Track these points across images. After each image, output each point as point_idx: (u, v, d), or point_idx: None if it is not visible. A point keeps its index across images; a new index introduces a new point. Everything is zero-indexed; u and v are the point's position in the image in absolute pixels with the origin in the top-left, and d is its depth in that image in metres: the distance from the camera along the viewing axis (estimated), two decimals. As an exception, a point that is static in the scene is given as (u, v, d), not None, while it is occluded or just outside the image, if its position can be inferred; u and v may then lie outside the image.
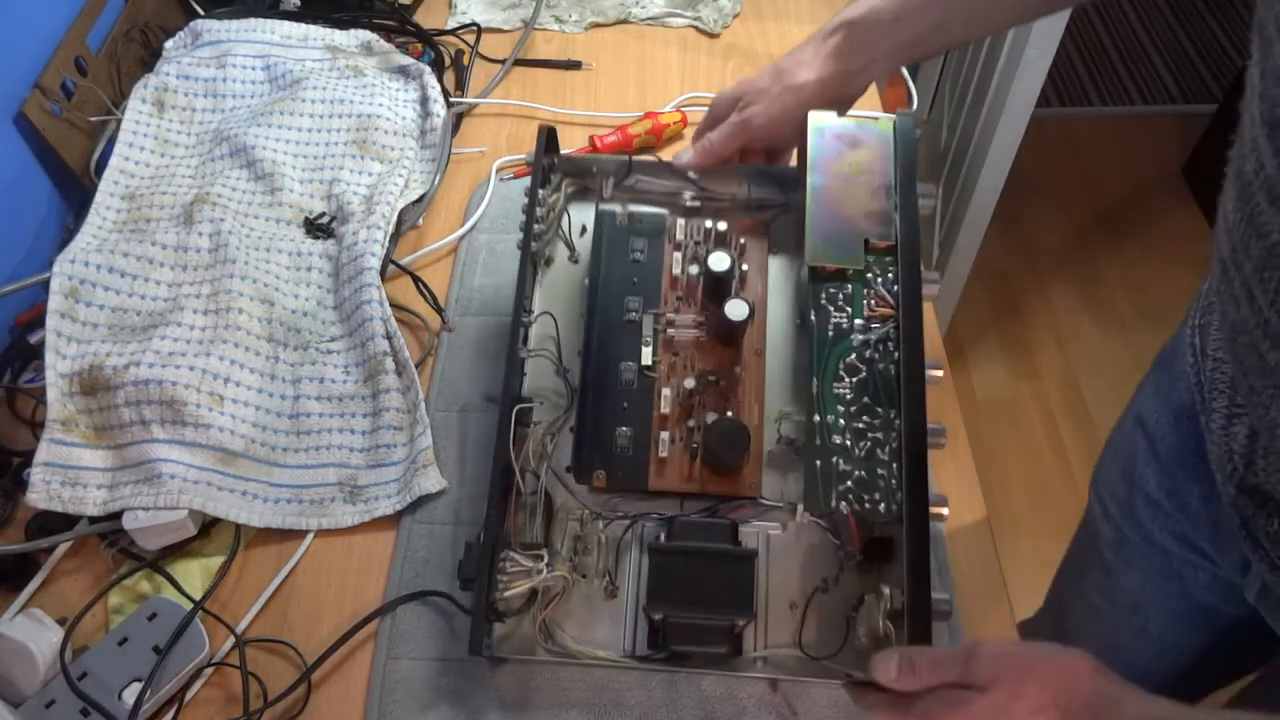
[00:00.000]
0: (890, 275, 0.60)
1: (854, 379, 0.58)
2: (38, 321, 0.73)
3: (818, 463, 0.56)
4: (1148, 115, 2.18)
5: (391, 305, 0.76)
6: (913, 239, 0.60)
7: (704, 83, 0.97)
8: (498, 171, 0.88)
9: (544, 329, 0.66)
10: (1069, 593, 0.91)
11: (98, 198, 0.80)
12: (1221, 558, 0.67)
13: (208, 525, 0.67)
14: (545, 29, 1.03)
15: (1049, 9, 0.73)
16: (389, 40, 0.96)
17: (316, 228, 0.81)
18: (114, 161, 0.83)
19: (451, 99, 0.92)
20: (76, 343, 0.71)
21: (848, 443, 0.57)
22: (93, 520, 0.66)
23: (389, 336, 0.74)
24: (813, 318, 0.60)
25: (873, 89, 0.72)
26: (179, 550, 0.66)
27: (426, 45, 0.97)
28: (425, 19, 1.02)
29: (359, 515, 0.69)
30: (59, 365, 0.70)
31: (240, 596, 0.65)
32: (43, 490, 0.66)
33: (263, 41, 0.92)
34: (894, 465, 0.56)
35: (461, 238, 0.85)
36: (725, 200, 0.68)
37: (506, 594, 0.55)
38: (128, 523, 0.64)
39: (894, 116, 0.64)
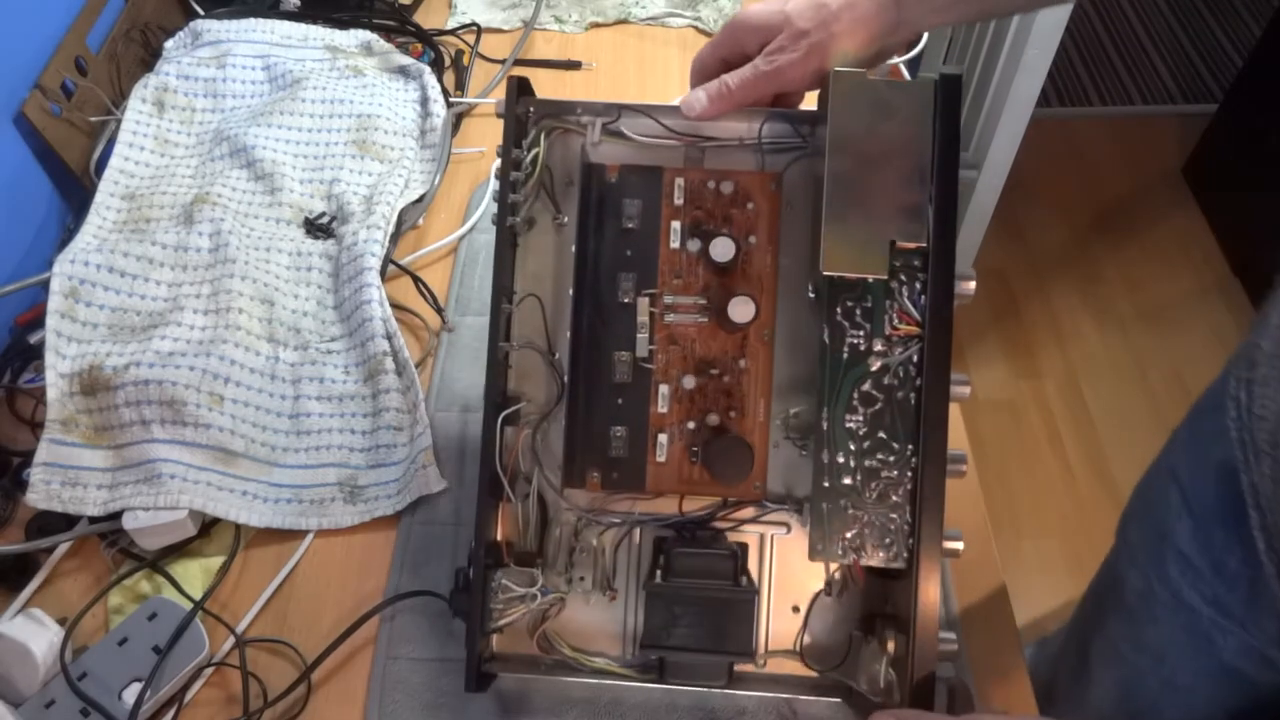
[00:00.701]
0: (918, 285, 0.52)
1: (869, 410, 0.53)
2: (38, 321, 0.73)
3: (824, 506, 0.52)
4: (1148, 115, 2.18)
5: (391, 305, 0.76)
6: (948, 242, 0.51)
7: (704, 83, 0.97)
8: (497, 171, 0.88)
9: (529, 311, 0.59)
10: (1092, 630, 0.83)
11: (98, 198, 0.80)
12: (1255, 627, 0.62)
13: (208, 525, 0.67)
14: (545, 29, 1.03)
15: None
16: (389, 40, 0.96)
17: (316, 228, 0.81)
18: (114, 161, 0.83)
19: (451, 99, 0.92)
20: (76, 343, 0.71)
21: (858, 484, 0.53)
22: (93, 520, 0.66)
23: (389, 336, 0.74)
24: (825, 337, 0.53)
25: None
26: (179, 550, 0.66)
27: (426, 45, 0.97)
28: (425, 19, 1.02)
29: (359, 515, 0.69)
30: (59, 365, 0.69)
31: (240, 596, 0.65)
32: (43, 490, 0.66)
33: (263, 41, 0.92)
34: (908, 509, 0.52)
35: (461, 238, 0.84)
36: (731, 142, 0.59)
37: (501, 623, 0.55)
38: (128, 523, 0.64)
39: (934, 76, 0.53)
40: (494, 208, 0.57)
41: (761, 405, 0.57)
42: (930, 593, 0.50)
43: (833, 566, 0.57)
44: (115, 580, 0.65)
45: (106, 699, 0.58)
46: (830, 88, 0.53)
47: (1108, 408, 1.72)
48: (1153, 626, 0.71)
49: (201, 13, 0.95)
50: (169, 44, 0.91)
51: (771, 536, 0.58)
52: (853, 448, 0.53)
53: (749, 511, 0.57)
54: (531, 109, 0.58)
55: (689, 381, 0.57)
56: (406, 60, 0.93)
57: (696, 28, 1.03)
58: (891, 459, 0.53)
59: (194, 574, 0.65)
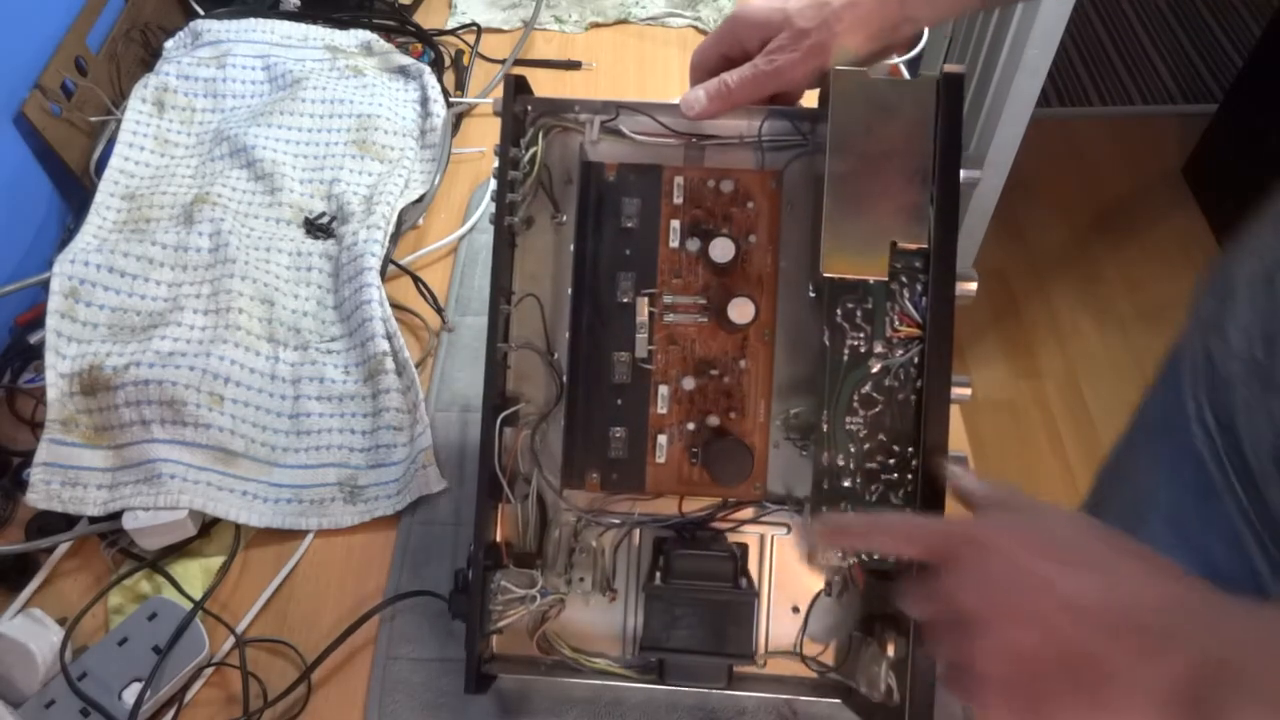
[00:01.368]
0: (919, 286, 0.52)
1: (869, 412, 0.53)
2: (38, 321, 0.73)
3: (822, 510, 0.53)
4: (1148, 115, 2.18)
5: (391, 305, 0.76)
6: (950, 243, 0.51)
7: (704, 83, 0.97)
8: (495, 170, 0.88)
9: (528, 311, 0.58)
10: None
11: (98, 198, 0.80)
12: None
13: (208, 525, 0.67)
14: (545, 29, 1.03)
15: None
16: (389, 40, 0.96)
17: (316, 228, 0.81)
18: (114, 161, 0.83)
19: (451, 99, 0.92)
20: (76, 343, 0.71)
21: (857, 486, 0.53)
22: (93, 520, 0.66)
23: (389, 336, 0.74)
24: (826, 339, 0.53)
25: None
26: (179, 550, 0.66)
27: (426, 45, 0.97)
28: (425, 19, 1.02)
29: (359, 515, 0.69)
30: (59, 365, 0.70)
31: (240, 596, 0.65)
32: (43, 490, 0.66)
33: (263, 41, 0.92)
34: (908, 511, 0.52)
35: (461, 238, 0.85)
36: (731, 139, 0.58)
37: (500, 624, 0.55)
38: (128, 523, 0.64)
39: (936, 75, 0.52)
40: (494, 207, 0.57)
41: (761, 406, 0.57)
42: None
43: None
44: (115, 580, 0.65)
45: (106, 699, 0.58)
46: (831, 87, 0.53)
47: (1108, 408, 1.72)
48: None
49: (201, 13, 0.95)
50: (169, 44, 0.91)
51: (772, 537, 0.58)
52: (853, 449, 0.53)
53: (749, 512, 0.57)
54: (529, 107, 0.57)
55: (688, 382, 0.57)
56: (406, 60, 0.93)
57: (696, 28, 1.03)
58: (892, 461, 0.53)
59: (194, 574, 0.65)
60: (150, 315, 0.73)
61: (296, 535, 0.68)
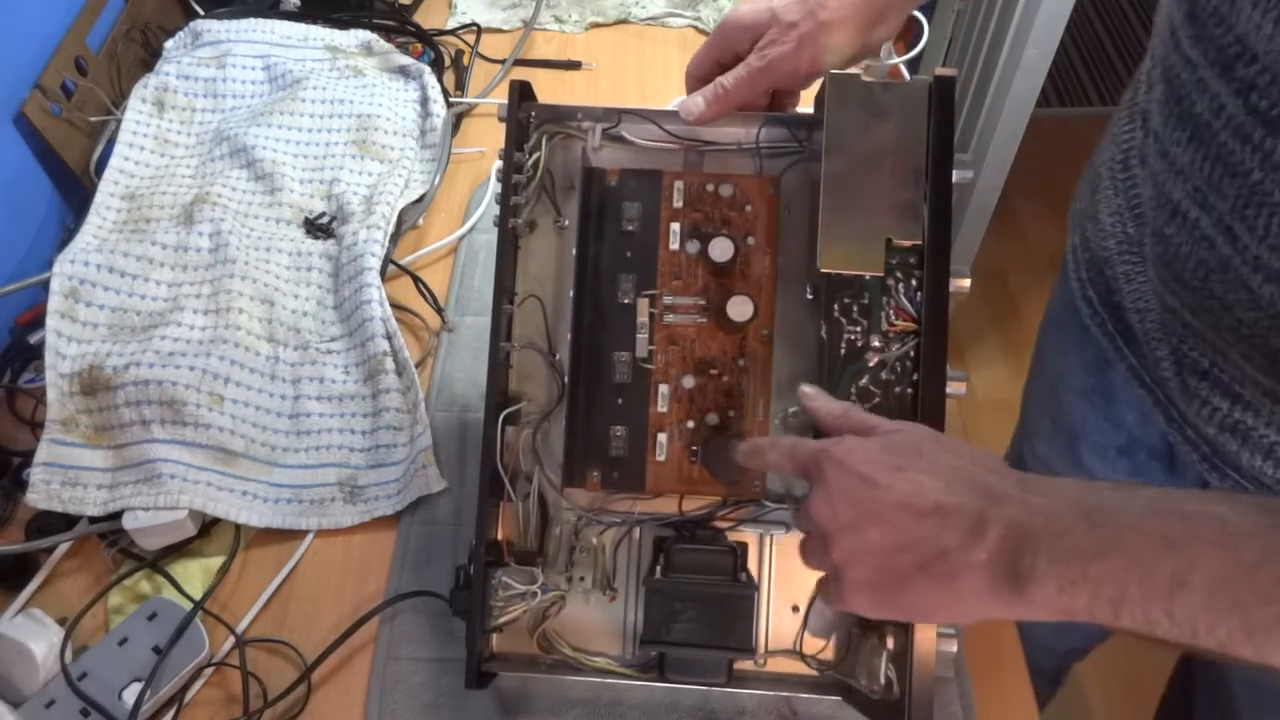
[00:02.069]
0: (914, 282, 0.53)
1: (866, 405, 0.53)
2: (38, 321, 0.73)
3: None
4: (1147, 115, 2.18)
5: (391, 305, 0.76)
6: (943, 239, 0.52)
7: (704, 83, 0.97)
8: (498, 172, 0.89)
9: (530, 311, 0.59)
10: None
11: (98, 198, 0.80)
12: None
13: (208, 525, 0.67)
14: (545, 29, 1.03)
15: None
16: (389, 40, 0.96)
17: (316, 228, 0.81)
18: (114, 161, 0.83)
19: (451, 99, 0.92)
20: (76, 343, 0.71)
21: None
22: (93, 520, 0.66)
23: (389, 336, 0.74)
24: (823, 334, 0.54)
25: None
26: (179, 550, 0.66)
27: (426, 45, 0.97)
28: (425, 19, 1.02)
29: (359, 515, 0.69)
30: (59, 365, 0.70)
31: (240, 596, 0.65)
32: (43, 490, 0.66)
33: (263, 41, 0.92)
34: None
35: (461, 238, 0.85)
36: (730, 146, 0.59)
37: (501, 621, 0.55)
38: (128, 523, 0.64)
39: (929, 78, 0.54)
40: (494, 208, 0.57)
41: (761, 404, 0.58)
42: None
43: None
44: (115, 580, 0.65)
45: (106, 699, 0.58)
46: (826, 89, 0.54)
47: (1107, 408, 1.72)
48: None
49: (201, 13, 0.95)
50: (169, 44, 0.91)
51: (771, 536, 0.58)
52: None
53: (748, 511, 0.58)
54: (533, 114, 0.58)
55: (688, 381, 0.57)
56: (406, 60, 0.93)
57: (696, 28, 1.03)
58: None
59: (194, 574, 0.65)
60: (150, 315, 0.73)
61: (296, 535, 0.68)
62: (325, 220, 0.82)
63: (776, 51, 0.55)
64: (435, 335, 0.78)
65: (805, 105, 0.60)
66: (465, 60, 0.99)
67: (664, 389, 0.58)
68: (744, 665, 0.57)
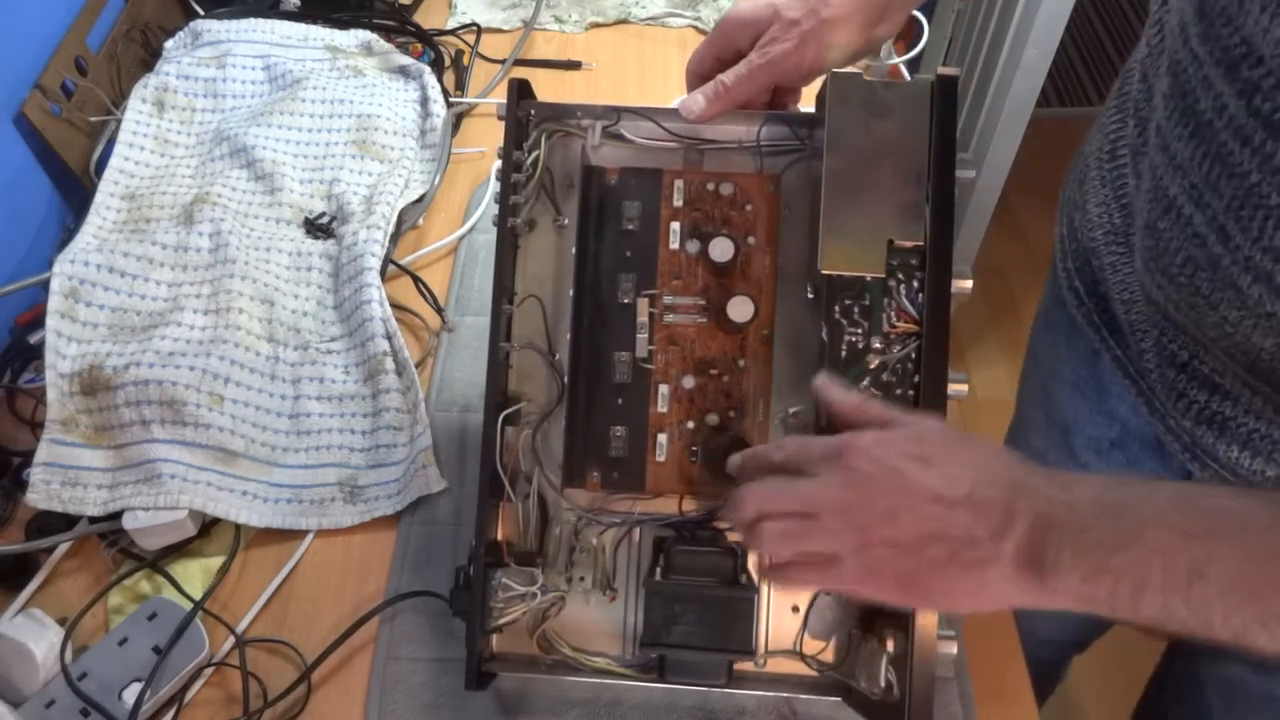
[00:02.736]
0: (916, 283, 0.53)
1: None
2: (38, 321, 0.73)
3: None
4: (1147, 115, 2.18)
5: (391, 305, 0.76)
6: (945, 240, 0.52)
7: (704, 83, 0.97)
8: (497, 171, 0.89)
9: (529, 311, 0.59)
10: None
11: (98, 198, 0.80)
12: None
13: (208, 525, 0.67)
14: (545, 29, 1.03)
15: None
16: (389, 40, 0.96)
17: (316, 228, 0.81)
18: (114, 161, 0.83)
19: (451, 99, 0.92)
20: (76, 343, 0.71)
21: None
22: (93, 520, 0.66)
23: (389, 336, 0.74)
24: (824, 335, 0.54)
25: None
26: (179, 550, 0.66)
27: (426, 45, 0.97)
28: (425, 19, 1.02)
29: (359, 515, 0.69)
30: (59, 365, 0.70)
31: (240, 596, 0.65)
32: (43, 490, 0.66)
33: (263, 41, 0.92)
34: None
35: (461, 238, 0.85)
36: (730, 144, 0.59)
37: (501, 621, 0.55)
38: (128, 523, 0.64)
39: (931, 77, 0.53)
40: (494, 208, 0.57)
41: (761, 405, 0.58)
42: None
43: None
44: (115, 580, 0.65)
45: (106, 699, 0.58)
46: (828, 89, 0.54)
47: (1107, 407, 1.72)
48: None
49: (201, 13, 0.95)
50: (169, 44, 0.91)
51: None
52: None
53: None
54: (532, 112, 0.58)
55: (688, 381, 0.57)
56: (406, 60, 0.93)
57: (696, 28, 1.03)
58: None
59: (194, 574, 0.65)
60: (150, 315, 0.73)
61: (296, 535, 0.68)
62: (325, 220, 0.82)
63: (778, 49, 0.55)
64: (435, 335, 0.78)
65: (807, 104, 0.60)
66: (465, 60, 0.99)
67: (664, 389, 0.57)
68: (744, 666, 0.57)
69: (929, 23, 0.64)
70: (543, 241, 0.60)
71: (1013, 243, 1.93)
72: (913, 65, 0.95)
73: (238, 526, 0.67)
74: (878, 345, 0.53)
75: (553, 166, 0.59)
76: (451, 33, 1.01)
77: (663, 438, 0.57)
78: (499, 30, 1.03)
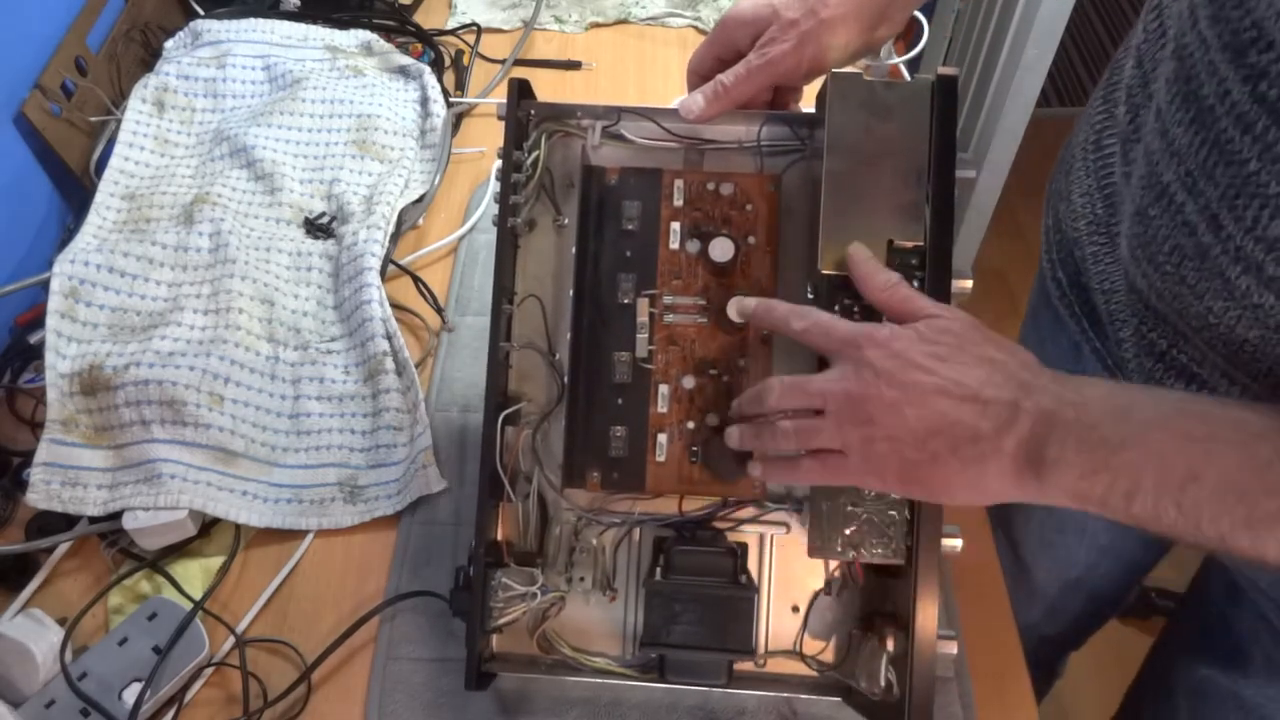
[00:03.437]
0: (916, 283, 0.52)
1: None
2: (38, 321, 0.73)
3: (824, 505, 0.52)
4: (1147, 115, 2.18)
5: (391, 305, 0.76)
6: (945, 240, 0.52)
7: (704, 83, 0.97)
8: (497, 171, 0.89)
9: (529, 311, 0.59)
10: (1019, 529, 0.94)
11: (98, 198, 0.80)
12: None
13: (208, 525, 0.67)
14: (545, 29, 1.03)
15: None
16: (389, 40, 0.96)
17: (316, 228, 0.81)
18: (114, 161, 0.83)
19: (451, 99, 0.92)
20: (76, 343, 0.71)
21: None
22: (93, 520, 0.66)
23: (389, 336, 0.74)
24: None
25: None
26: (179, 550, 0.66)
27: (426, 45, 0.97)
28: (425, 19, 1.02)
29: (359, 515, 0.69)
30: (59, 365, 0.70)
31: (240, 596, 0.65)
32: (43, 490, 0.66)
33: (263, 41, 0.92)
34: (906, 506, 0.52)
35: (461, 238, 0.85)
36: (730, 144, 0.59)
37: (501, 621, 0.55)
38: (128, 523, 0.64)
39: (932, 77, 0.53)
40: (494, 208, 0.57)
41: (761, 405, 0.57)
42: (929, 589, 0.51)
43: (832, 566, 0.58)
44: (115, 580, 0.65)
45: (106, 699, 0.58)
46: (828, 89, 0.54)
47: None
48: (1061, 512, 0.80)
49: (201, 13, 0.95)
50: (169, 44, 0.91)
51: (771, 536, 0.58)
52: None
53: (749, 511, 0.58)
54: (532, 112, 0.58)
55: (688, 381, 0.57)
56: (406, 60, 0.93)
57: (696, 28, 1.03)
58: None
59: (194, 574, 0.65)
60: (150, 315, 0.73)
61: (296, 535, 0.68)
62: (325, 220, 0.82)
63: (777, 49, 0.55)
64: (435, 335, 0.78)
65: (808, 104, 0.60)
66: (465, 60, 0.99)
67: (664, 389, 0.57)
68: (744, 666, 0.57)
69: (929, 23, 0.64)
70: (543, 241, 0.60)
71: (1012, 243, 1.93)
72: (912, 65, 0.95)
73: (238, 526, 0.67)
74: None
75: (553, 166, 0.59)
76: (451, 33, 1.01)
77: (663, 438, 0.57)
78: (499, 30, 1.03)
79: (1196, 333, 0.51)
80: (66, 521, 0.66)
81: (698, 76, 0.59)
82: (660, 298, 0.58)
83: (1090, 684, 1.32)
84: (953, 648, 0.51)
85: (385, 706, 0.61)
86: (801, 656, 0.57)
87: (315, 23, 0.95)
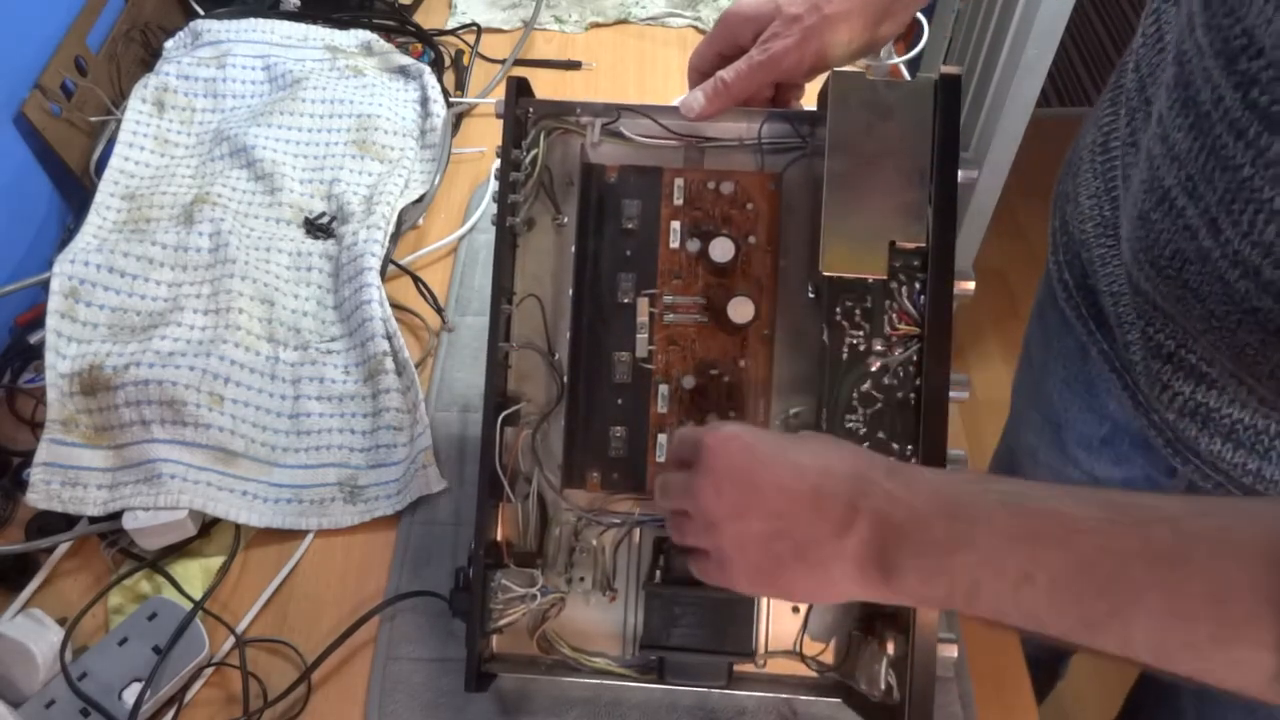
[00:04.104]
0: (917, 285, 0.52)
1: (868, 410, 0.53)
2: (38, 321, 0.73)
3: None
4: (1148, 115, 2.18)
5: (391, 305, 0.76)
6: (948, 241, 0.51)
7: (704, 83, 0.97)
8: (497, 171, 0.89)
9: (529, 311, 0.59)
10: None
11: (98, 198, 0.80)
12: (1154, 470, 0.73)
13: (208, 525, 0.67)
14: (545, 29, 1.03)
15: None
16: (389, 40, 0.96)
17: (316, 228, 0.81)
18: (114, 161, 0.83)
19: (451, 99, 0.92)
20: (76, 343, 0.71)
21: None
22: (93, 520, 0.66)
23: (389, 336, 0.74)
24: (825, 338, 0.53)
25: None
26: (179, 550, 0.66)
27: (426, 45, 0.97)
28: (425, 19, 1.02)
29: (359, 515, 0.69)
30: (59, 365, 0.70)
31: (240, 596, 0.65)
32: (43, 490, 0.66)
33: (263, 41, 0.92)
34: None
35: (461, 238, 0.85)
36: (731, 142, 0.58)
37: (501, 622, 0.55)
38: (128, 523, 0.64)
39: (934, 76, 0.53)
40: (494, 208, 0.57)
41: (761, 405, 0.57)
42: None
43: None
44: (115, 580, 0.65)
45: (106, 699, 0.58)
46: (830, 88, 0.54)
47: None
48: None
49: (201, 13, 0.95)
50: (169, 44, 0.91)
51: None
52: None
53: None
54: (531, 109, 0.58)
55: (689, 381, 0.57)
56: (406, 60, 0.93)
57: (696, 28, 1.03)
58: (891, 459, 0.52)
59: (194, 574, 0.65)
60: (150, 315, 0.73)
61: (296, 535, 0.68)
62: (325, 220, 0.82)
63: (779, 45, 0.54)
64: (435, 335, 0.78)
65: (809, 101, 0.60)
66: (465, 60, 0.99)
67: (664, 389, 0.57)
68: (744, 666, 0.57)
69: (929, 23, 0.64)
70: (542, 240, 0.59)
71: (1013, 243, 1.93)
72: (913, 65, 0.95)
73: (238, 526, 0.67)
74: (879, 348, 0.53)
75: (552, 165, 0.59)
76: (451, 33, 1.01)
77: (663, 438, 0.57)
78: (499, 30, 1.03)
79: (1201, 335, 0.52)
80: (66, 521, 0.66)
81: (699, 73, 0.59)
82: (660, 297, 0.57)
83: (1091, 685, 1.32)
84: (953, 651, 0.51)
85: (385, 706, 0.61)
86: (801, 657, 0.57)
87: (315, 23, 0.95)
